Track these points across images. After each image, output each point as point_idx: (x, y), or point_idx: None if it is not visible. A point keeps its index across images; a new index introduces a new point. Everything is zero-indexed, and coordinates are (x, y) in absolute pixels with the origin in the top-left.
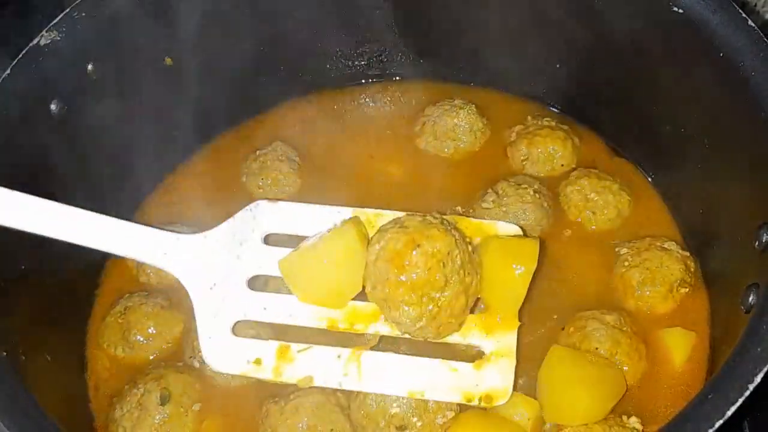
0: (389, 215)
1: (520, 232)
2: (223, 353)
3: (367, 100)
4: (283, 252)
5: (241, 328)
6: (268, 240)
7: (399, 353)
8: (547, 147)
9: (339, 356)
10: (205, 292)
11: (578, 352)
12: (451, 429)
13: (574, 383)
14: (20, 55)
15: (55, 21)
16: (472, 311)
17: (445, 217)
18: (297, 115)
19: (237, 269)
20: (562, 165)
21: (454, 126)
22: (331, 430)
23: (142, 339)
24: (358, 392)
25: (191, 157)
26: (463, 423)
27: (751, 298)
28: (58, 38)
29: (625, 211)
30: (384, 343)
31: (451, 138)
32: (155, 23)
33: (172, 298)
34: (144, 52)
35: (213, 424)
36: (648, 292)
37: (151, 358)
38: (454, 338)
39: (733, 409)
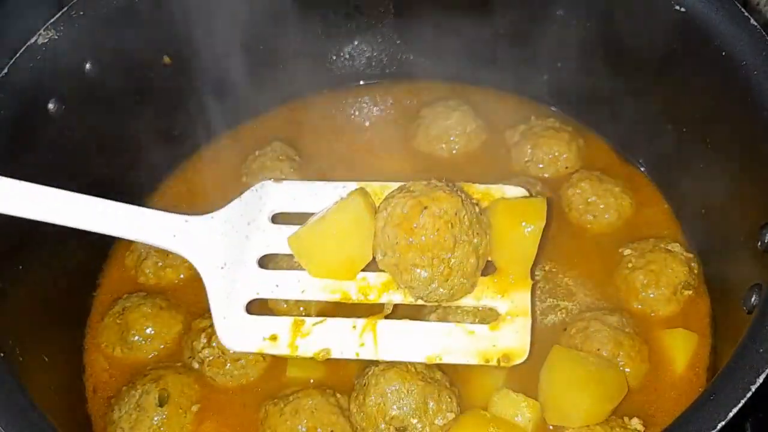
0: (395, 187)
1: (527, 194)
2: (238, 332)
3: (366, 100)
4: (292, 229)
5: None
6: (275, 220)
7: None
8: (552, 149)
9: (354, 326)
10: (216, 272)
11: (580, 353)
12: (452, 430)
13: (576, 384)
14: (18, 54)
15: (52, 19)
16: (484, 274)
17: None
18: (296, 116)
19: (246, 248)
20: (567, 167)
21: (446, 128)
22: (331, 431)
23: (140, 339)
24: (358, 394)
25: (190, 159)
26: (463, 424)
27: (753, 299)
28: (56, 37)
29: (626, 214)
30: (398, 315)
31: (444, 141)
32: (153, 22)
33: (171, 298)
34: (142, 51)
35: (212, 426)
36: (652, 295)
37: (150, 358)
38: (467, 301)
39: (735, 410)
